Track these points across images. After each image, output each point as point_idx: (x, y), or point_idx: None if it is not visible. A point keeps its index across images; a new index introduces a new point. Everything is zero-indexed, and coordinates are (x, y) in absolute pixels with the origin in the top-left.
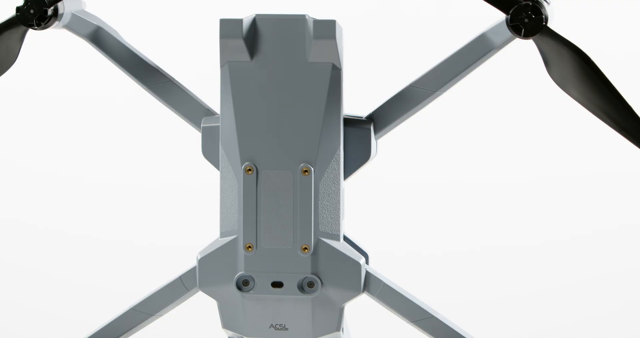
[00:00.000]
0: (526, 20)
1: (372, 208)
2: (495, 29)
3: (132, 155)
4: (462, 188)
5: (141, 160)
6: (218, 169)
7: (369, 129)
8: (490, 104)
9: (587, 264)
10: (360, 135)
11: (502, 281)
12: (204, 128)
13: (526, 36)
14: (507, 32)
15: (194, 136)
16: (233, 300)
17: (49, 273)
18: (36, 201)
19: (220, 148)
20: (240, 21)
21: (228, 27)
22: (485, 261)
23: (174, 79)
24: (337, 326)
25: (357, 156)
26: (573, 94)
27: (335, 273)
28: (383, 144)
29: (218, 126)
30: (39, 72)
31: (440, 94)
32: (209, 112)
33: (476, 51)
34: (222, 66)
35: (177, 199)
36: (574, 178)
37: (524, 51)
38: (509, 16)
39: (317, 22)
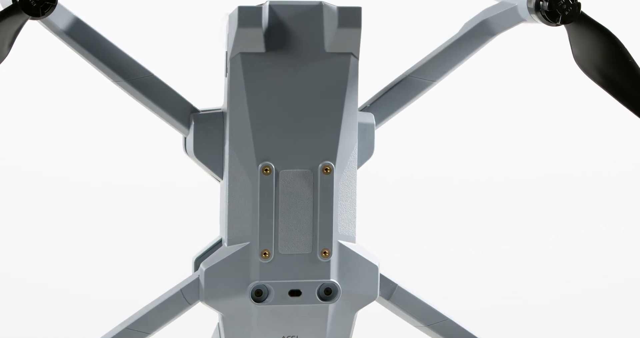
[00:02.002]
0: (564, 6)
1: (369, 207)
2: (501, 16)
3: (119, 154)
4: (468, 187)
5: (129, 159)
6: (212, 170)
7: (373, 123)
8: (499, 99)
9: (605, 267)
10: (365, 129)
11: (507, 284)
12: (197, 126)
13: (564, 22)
14: (516, 19)
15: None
16: (241, 313)
17: (32, 278)
18: (21, 202)
19: (227, 148)
20: (259, 9)
21: (247, 16)
22: (490, 265)
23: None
24: (350, 334)
25: (363, 151)
26: (597, 79)
27: (353, 277)
28: (383, 141)
29: (218, 124)
30: (24, 66)
31: (437, 83)
32: (195, 110)
33: (477, 39)
34: (231, 58)
35: (165, 200)
36: (591, 176)
37: (530, 42)
38: (546, 3)
39: (342, 10)
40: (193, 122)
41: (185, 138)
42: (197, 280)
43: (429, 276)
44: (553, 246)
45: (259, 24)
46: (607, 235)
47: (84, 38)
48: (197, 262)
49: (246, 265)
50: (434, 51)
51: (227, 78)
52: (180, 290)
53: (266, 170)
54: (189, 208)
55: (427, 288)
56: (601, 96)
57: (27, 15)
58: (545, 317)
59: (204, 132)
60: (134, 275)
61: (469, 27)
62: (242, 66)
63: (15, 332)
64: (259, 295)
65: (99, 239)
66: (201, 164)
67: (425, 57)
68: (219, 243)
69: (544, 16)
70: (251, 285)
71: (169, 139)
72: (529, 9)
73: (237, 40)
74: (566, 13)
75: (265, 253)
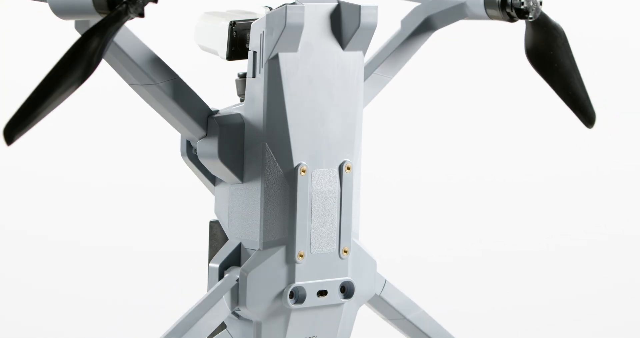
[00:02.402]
0: (532, 3)
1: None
2: (446, 12)
3: (115, 154)
4: (465, 187)
5: (125, 159)
6: (234, 172)
7: None
8: (499, 99)
9: (605, 267)
10: None
11: (505, 285)
12: (223, 129)
13: (531, 19)
14: (460, 15)
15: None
16: (275, 317)
17: (25, 279)
18: (16, 202)
19: (267, 150)
20: (303, 7)
21: (295, 15)
22: (488, 265)
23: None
24: (352, 329)
25: None
26: (543, 71)
27: (360, 273)
28: (381, 140)
29: (239, 127)
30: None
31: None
32: (211, 112)
33: (423, 36)
34: (270, 59)
35: (160, 201)
36: (591, 176)
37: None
38: (519, 0)
39: (364, 8)
40: (218, 126)
41: (188, 141)
42: (236, 286)
43: (427, 276)
44: (552, 246)
45: (302, 23)
46: (608, 235)
47: (124, 39)
48: (222, 268)
49: (283, 267)
50: (386, 48)
51: (258, 79)
52: (224, 297)
53: (303, 171)
54: (183, 209)
55: (425, 288)
56: (601, 95)
57: (130, 16)
58: (545, 317)
59: (229, 135)
60: (131, 275)
61: (415, 25)
62: (280, 66)
63: (13, 333)
64: (291, 297)
65: (94, 239)
66: (222, 167)
67: (381, 55)
68: (238, 247)
69: (509, 13)
70: (288, 288)
71: (162, 139)
72: (488, 5)
73: (282, 41)
74: (534, 9)
75: (301, 255)
